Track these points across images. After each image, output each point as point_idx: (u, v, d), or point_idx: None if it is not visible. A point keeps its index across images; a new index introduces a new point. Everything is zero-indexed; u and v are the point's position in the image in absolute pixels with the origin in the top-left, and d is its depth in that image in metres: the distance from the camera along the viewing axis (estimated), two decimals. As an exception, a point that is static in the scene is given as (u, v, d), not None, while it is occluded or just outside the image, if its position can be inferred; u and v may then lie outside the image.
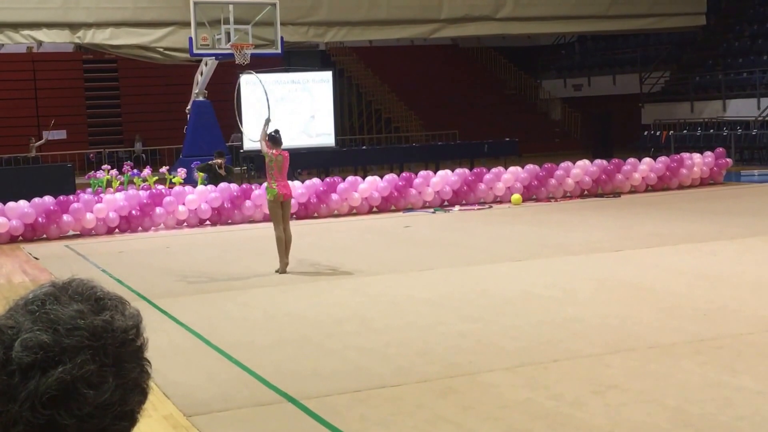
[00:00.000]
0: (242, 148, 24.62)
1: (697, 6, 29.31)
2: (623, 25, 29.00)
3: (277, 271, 10.91)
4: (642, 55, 33.11)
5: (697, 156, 19.87)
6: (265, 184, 12.12)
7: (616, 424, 5.28)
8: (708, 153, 20.17)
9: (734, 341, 6.94)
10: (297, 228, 15.42)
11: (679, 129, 28.01)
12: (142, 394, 1.26)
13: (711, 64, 30.67)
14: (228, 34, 22.09)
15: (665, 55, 32.82)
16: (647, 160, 19.49)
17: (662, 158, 19.72)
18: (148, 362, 1.28)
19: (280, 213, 11.17)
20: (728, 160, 20.42)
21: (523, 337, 7.34)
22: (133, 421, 1.25)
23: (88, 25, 23.35)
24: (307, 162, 23.45)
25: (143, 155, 29.79)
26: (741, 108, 27.21)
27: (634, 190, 19.00)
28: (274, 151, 11.07)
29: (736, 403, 5.53)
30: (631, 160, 19.32)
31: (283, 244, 10.97)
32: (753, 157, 25.22)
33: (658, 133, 28.14)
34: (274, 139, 11.18)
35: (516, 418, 5.45)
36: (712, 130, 26.97)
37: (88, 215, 15.26)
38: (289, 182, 17.10)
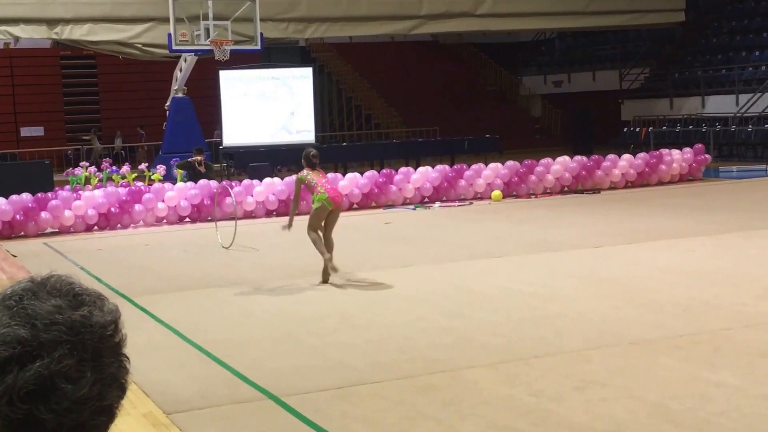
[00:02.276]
0: (222, 144, 24.53)
1: (676, 3, 29.46)
2: (603, 21, 29.11)
3: (324, 281, 9.74)
4: (621, 52, 33.25)
5: (676, 152, 19.96)
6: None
7: (596, 420, 5.29)
8: (687, 149, 20.26)
9: (713, 337, 6.97)
10: (278, 225, 15.37)
11: (659, 125, 28.14)
12: (121, 389, 1.26)
13: (690, 60, 30.83)
14: (207, 30, 21.99)
15: (644, 52, 32.96)
16: (627, 156, 19.56)
17: (642, 154, 19.80)
18: (127, 358, 1.29)
19: (323, 222, 9.83)
20: (707, 156, 20.52)
21: (504, 333, 7.35)
22: (112, 417, 1.25)
23: (66, 21, 23.19)
24: (286, 159, 23.40)
25: (122, 152, 29.63)
26: (720, 104, 27.37)
27: (613, 187, 19.06)
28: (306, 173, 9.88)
29: (715, 398, 5.55)
30: (610, 156, 19.39)
31: (322, 242, 9.77)
32: (732, 153, 25.37)
33: (637, 129, 28.26)
34: (309, 161, 9.95)
35: (497, 414, 5.45)
36: (691, 127, 27.11)
37: (67, 212, 15.16)
38: (271, 180, 17.10)
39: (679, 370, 6.15)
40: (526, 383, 6.02)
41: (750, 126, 25.28)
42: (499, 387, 5.98)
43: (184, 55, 23.08)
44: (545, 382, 6.03)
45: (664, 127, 27.89)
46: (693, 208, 15.09)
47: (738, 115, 26.24)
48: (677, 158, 19.76)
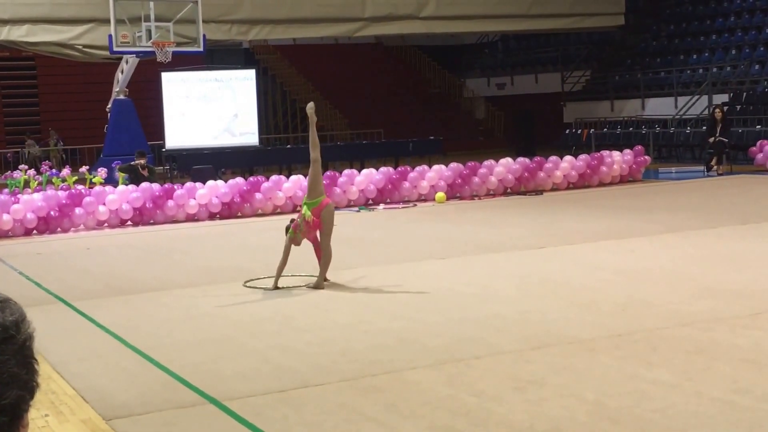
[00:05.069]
0: (164, 146, 24.29)
1: (616, 6, 29.90)
2: (544, 24, 29.43)
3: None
4: (563, 55, 33.64)
5: (616, 154, 20.25)
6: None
7: (535, 419, 5.35)
8: (627, 151, 20.57)
9: (650, 335, 7.09)
10: (221, 228, 15.29)
11: (600, 127, 28.52)
12: (24, 389, 1.25)
13: (630, 63, 31.31)
14: (149, 31, 21.77)
15: (586, 55, 33.40)
16: (568, 158, 19.79)
17: (583, 156, 20.05)
18: (35, 359, 1.28)
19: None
20: (647, 157, 20.85)
21: (446, 334, 7.39)
22: (16, 418, 1.24)
23: (4, 22, 22.77)
24: (230, 161, 23.26)
25: (63, 155, 29.19)
26: (659, 107, 27.85)
27: (555, 188, 19.27)
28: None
29: (651, 395, 5.65)
30: (552, 158, 19.60)
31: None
32: (671, 154, 25.82)
33: (579, 131, 28.62)
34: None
35: (438, 415, 5.49)
36: (631, 129, 27.53)
37: (5, 216, 14.89)
38: (214, 182, 16.97)
39: (617, 369, 6.25)
40: (467, 384, 6.07)
41: (688, 128, 25.74)
42: (441, 388, 6.01)
43: (125, 56, 22.82)
44: (486, 382, 6.08)
45: (605, 129, 28.29)
46: (633, 209, 15.32)
47: (677, 117, 26.72)
48: (618, 160, 20.06)
